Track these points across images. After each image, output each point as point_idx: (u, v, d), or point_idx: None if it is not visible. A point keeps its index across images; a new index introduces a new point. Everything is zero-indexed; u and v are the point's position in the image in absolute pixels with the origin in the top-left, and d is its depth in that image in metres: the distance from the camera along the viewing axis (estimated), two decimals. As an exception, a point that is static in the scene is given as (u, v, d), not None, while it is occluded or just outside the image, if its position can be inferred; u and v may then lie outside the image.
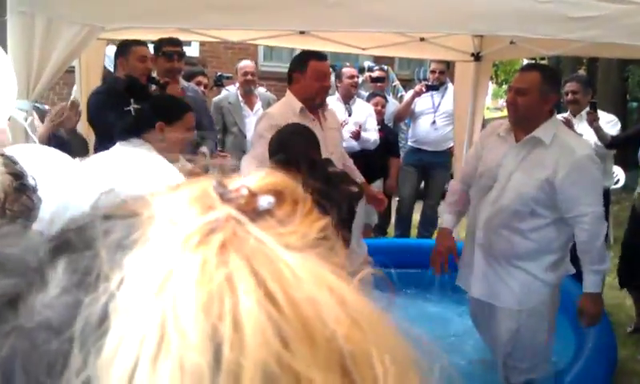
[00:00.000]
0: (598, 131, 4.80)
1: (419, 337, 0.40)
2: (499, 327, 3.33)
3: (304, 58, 3.76)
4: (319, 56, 3.86)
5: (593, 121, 4.78)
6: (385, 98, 6.42)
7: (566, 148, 3.01)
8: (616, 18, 2.35)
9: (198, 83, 5.21)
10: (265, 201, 0.37)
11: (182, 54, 4.55)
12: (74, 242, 0.36)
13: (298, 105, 3.71)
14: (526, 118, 3.08)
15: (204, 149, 4.82)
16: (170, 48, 4.39)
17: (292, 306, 0.32)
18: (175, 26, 2.24)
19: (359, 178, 4.00)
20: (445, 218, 3.72)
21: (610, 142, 4.83)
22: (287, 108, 3.76)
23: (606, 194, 5.10)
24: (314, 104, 3.83)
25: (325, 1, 2.11)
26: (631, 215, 5.07)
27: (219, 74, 6.82)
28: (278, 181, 0.41)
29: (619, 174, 8.37)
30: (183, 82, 4.86)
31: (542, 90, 3.01)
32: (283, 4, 2.11)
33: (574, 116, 5.00)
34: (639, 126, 5.10)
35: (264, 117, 3.94)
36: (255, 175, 0.40)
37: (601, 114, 5.10)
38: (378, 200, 4.22)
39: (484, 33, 3.84)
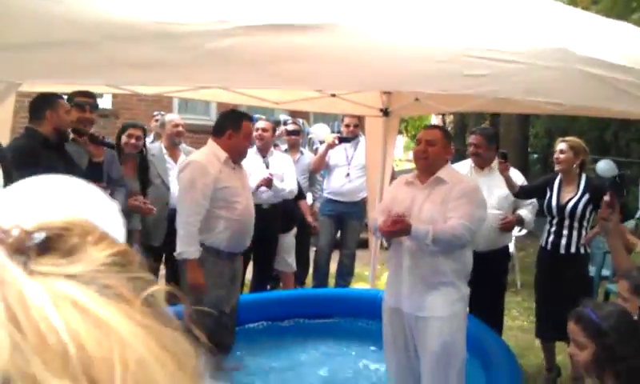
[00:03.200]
0: (508, 181, 5.03)
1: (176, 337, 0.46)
2: (430, 338, 3.72)
3: (238, 118, 4.28)
4: (249, 117, 4.43)
5: (504, 170, 5.01)
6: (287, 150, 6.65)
7: (457, 180, 3.80)
8: (509, 75, 2.59)
9: (130, 136, 5.21)
10: (37, 237, 0.43)
11: (94, 106, 4.60)
12: None
13: (223, 154, 4.19)
14: (433, 163, 3.81)
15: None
16: (82, 99, 4.46)
17: (30, 326, 0.39)
18: (91, 83, 2.28)
19: None
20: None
21: (517, 192, 5.09)
22: (213, 156, 4.19)
23: (505, 250, 5.41)
24: (241, 157, 4.38)
25: (239, 60, 2.21)
26: (538, 262, 5.28)
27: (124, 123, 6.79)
28: (63, 218, 0.47)
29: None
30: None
31: (443, 143, 3.88)
32: (198, 62, 2.20)
33: (481, 168, 5.18)
34: (544, 178, 5.35)
35: (188, 165, 4.15)
36: (41, 214, 0.46)
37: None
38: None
39: (389, 89, 4.10)
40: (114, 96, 9.09)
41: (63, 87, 3.85)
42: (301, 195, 6.46)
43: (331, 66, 2.30)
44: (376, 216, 4.02)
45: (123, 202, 4.91)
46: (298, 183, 6.49)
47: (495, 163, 5.10)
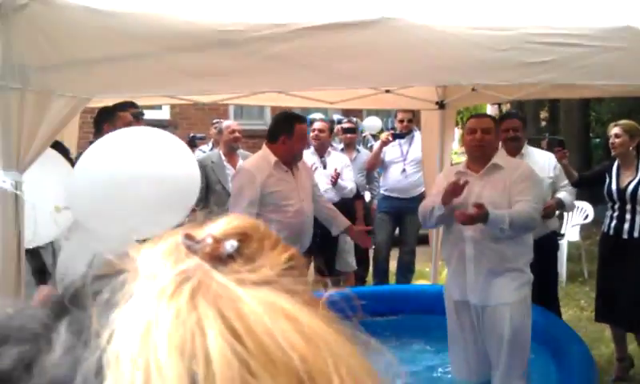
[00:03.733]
0: (567, 169, 4.97)
1: (379, 349, 0.46)
2: (502, 325, 3.72)
3: (291, 121, 4.26)
4: (302, 119, 4.40)
5: (562, 158, 4.95)
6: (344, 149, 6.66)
7: (514, 166, 3.85)
8: (570, 60, 2.52)
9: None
10: (229, 245, 0.43)
11: (140, 114, 4.74)
12: (72, 304, 0.42)
13: (273, 158, 4.17)
14: (490, 152, 3.82)
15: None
16: (135, 110, 4.55)
17: (254, 340, 0.38)
18: (154, 95, 2.35)
19: (344, 220, 4.66)
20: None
21: (576, 181, 5.01)
22: (263, 161, 4.20)
23: (553, 235, 5.29)
24: (296, 161, 4.38)
25: (296, 63, 2.23)
26: (600, 248, 5.20)
27: (192, 134, 6.96)
28: (241, 223, 0.47)
29: (588, 209, 8.58)
30: None
31: (496, 130, 3.94)
32: (259, 67, 2.23)
33: (514, 154, 4.88)
34: (602, 164, 5.26)
35: (240, 172, 4.22)
36: (220, 222, 0.47)
37: (537, 151, 5.29)
38: (363, 236, 4.93)
39: (446, 83, 4.07)
40: (172, 107, 9.29)
41: (137, 99, 3.94)
42: (358, 195, 6.46)
43: (386, 62, 2.30)
44: (428, 205, 3.96)
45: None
46: (355, 182, 6.49)
47: (526, 149, 5.03)
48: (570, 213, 8.04)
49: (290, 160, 4.30)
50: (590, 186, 5.14)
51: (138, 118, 4.68)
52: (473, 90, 4.97)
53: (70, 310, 0.42)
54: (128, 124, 4.23)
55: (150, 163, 2.19)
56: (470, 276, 3.83)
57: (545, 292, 5.06)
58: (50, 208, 2.46)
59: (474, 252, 3.80)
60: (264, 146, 4.34)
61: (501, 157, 3.89)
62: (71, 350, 0.39)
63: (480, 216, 3.51)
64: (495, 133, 3.92)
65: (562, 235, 6.21)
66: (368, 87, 4.19)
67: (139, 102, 4.54)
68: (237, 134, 5.81)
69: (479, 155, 3.85)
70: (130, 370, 0.37)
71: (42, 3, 2.06)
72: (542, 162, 5.00)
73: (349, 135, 6.92)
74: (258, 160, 4.28)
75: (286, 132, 4.21)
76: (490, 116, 4.25)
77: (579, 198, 7.03)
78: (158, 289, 0.39)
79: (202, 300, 0.39)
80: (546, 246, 5.02)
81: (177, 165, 2.26)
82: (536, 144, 5.81)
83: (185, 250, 0.43)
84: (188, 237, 0.43)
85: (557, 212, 5.30)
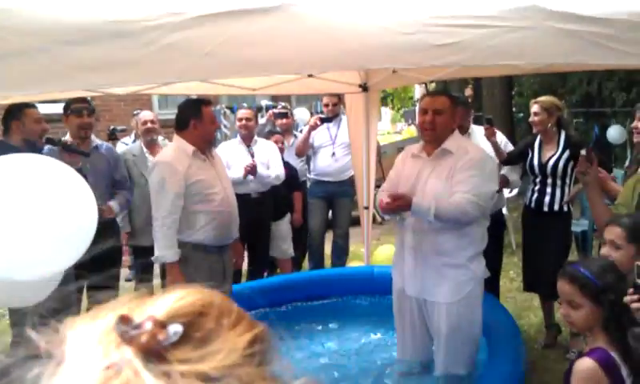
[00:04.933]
0: (496, 146, 5.04)
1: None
2: (438, 322, 3.63)
3: (197, 105, 4.13)
4: (207, 102, 4.24)
5: (491, 135, 5.03)
6: (282, 134, 6.56)
7: (463, 151, 3.56)
8: (477, 41, 2.52)
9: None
10: (172, 331, 0.38)
11: (91, 110, 4.64)
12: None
13: (191, 148, 4.05)
14: (441, 134, 3.60)
15: (112, 202, 4.79)
16: (78, 105, 4.55)
17: None
18: (49, 91, 2.23)
19: None
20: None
21: (506, 159, 5.11)
22: (180, 151, 4.07)
23: (499, 214, 5.37)
24: (210, 145, 4.27)
25: (196, 51, 2.14)
26: (522, 220, 5.34)
27: (112, 127, 6.74)
28: (192, 300, 0.41)
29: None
30: (96, 140, 4.87)
31: (451, 110, 3.65)
32: (157, 57, 2.13)
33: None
34: (524, 141, 5.38)
35: (156, 167, 4.07)
36: (168, 297, 0.41)
37: (482, 129, 5.37)
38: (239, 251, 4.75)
39: (352, 68, 4.04)
40: (93, 98, 8.96)
41: (31, 97, 3.78)
42: (296, 186, 6.40)
43: (290, 49, 2.23)
44: (380, 195, 3.79)
45: (123, 205, 4.92)
46: (295, 171, 6.43)
47: (472, 129, 5.08)
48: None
49: (204, 146, 4.17)
50: (515, 164, 5.21)
51: (79, 113, 4.54)
52: (394, 71, 4.98)
53: None
54: (37, 121, 4.07)
55: (40, 200, 2.04)
56: (408, 266, 3.73)
57: (490, 265, 5.17)
58: None
59: (413, 242, 3.67)
60: (175, 137, 4.18)
61: (454, 140, 3.63)
62: None
63: (401, 205, 3.40)
64: (451, 113, 3.66)
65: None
66: (271, 75, 4.13)
67: (58, 96, 4.36)
68: (149, 125, 5.63)
69: (429, 138, 3.66)
70: None
71: None
72: (486, 140, 5.05)
73: (284, 120, 6.86)
74: (175, 151, 4.10)
75: (195, 116, 4.08)
76: (448, 95, 3.89)
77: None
78: None
79: None
80: (494, 223, 5.11)
81: (75, 212, 2.12)
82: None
83: (118, 336, 0.37)
84: (123, 320, 0.38)
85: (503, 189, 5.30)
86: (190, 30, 2.09)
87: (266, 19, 2.14)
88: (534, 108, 4.95)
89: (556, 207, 4.89)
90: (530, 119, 5.02)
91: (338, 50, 2.25)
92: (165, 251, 3.97)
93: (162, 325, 0.38)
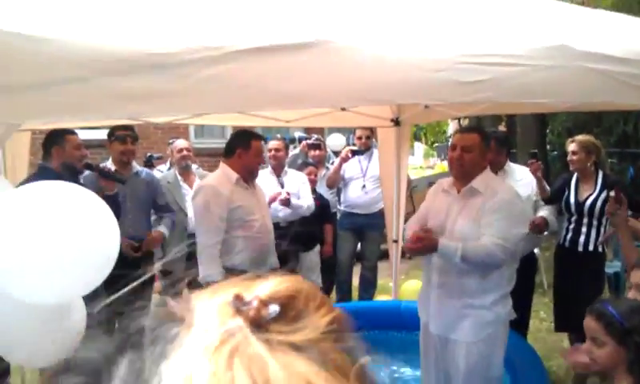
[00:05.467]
0: (540, 183, 4.99)
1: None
2: (457, 361, 3.61)
3: (247, 138, 4.36)
4: (258, 136, 4.50)
5: (536, 170, 4.99)
6: (315, 165, 6.64)
7: (492, 192, 3.52)
8: (506, 79, 2.55)
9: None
10: (272, 310, 0.49)
11: (135, 138, 4.80)
12: (132, 345, 0.49)
13: (234, 175, 4.27)
14: (469, 172, 3.59)
15: (161, 227, 4.94)
16: (122, 132, 4.74)
17: None
18: (88, 120, 2.32)
19: None
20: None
21: (549, 197, 5.04)
22: (224, 177, 4.28)
23: (532, 255, 5.28)
24: (253, 176, 4.49)
25: (232, 85, 2.23)
26: (555, 260, 5.27)
27: (149, 154, 6.90)
28: (289, 285, 0.52)
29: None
30: (137, 166, 5.03)
31: (481, 148, 3.63)
32: (193, 90, 2.22)
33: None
34: (562, 178, 5.28)
35: (201, 190, 4.23)
36: (269, 282, 0.52)
37: (519, 168, 5.30)
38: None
39: (380, 103, 4.10)
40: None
41: (70, 124, 3.93)
42: (327, 217, 6.45)
43: (321, 84, 2.30)
44: (409, 227, 3.83)
45: (170, 228, 5.05)
46: (327, 202, 6.49)
47: (508, 166, 5.04)
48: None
49: (248, 175, 4.37)
50: (556, 202, 5.11)
51: (123, 140, 4.71)
52: (426, 106, 5.03)
53: (130, 349, 0.48)
54: (76, 147, 4.22)
55: (70, 233, 2.16)
56: (432, 304, 3.72)
57: (520, 304, 5.04)
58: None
59: (438, 280, 3.66)
60: (222, 164, 4.39)
61: (483, 179, 3.59)
62: None
63: (427, 246, 3.40)
64: (480, 151, 3.62)
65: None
66: (304, 108, 4.24)
67: (96, 124, 4.55)
68: (184, 153, 5.79)
69: (457, 174, 3.64)
70: None
71: (-35, 28, 2.03)
72: (525, 178, 4.98)
73: (317, 152, 6.95)
74: (220, 176, 4.32)
75: (243, 146, 4.30)
76: (480, 131, 3.87)
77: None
78: (203, 345, 0.46)
79: (237, 361, 0.44)
80: (526, 263, 4.89)
81: (97, 230, 2.23)
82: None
83: (232, 309, 0.48)
84: (237, 298, 0.49)
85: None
86: (227, 65, 2.17)
87: (301, 55, 2.21)
88: (572, 146, 4.90)
89: (591, 247, 4.82)
90: (568, 158, 4.96)
91: (368, 86, 2.32)
92: (210, 271, 4.07)
93: (265, 303, 0.49)
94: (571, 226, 4.93)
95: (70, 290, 2.29)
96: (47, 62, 2.07)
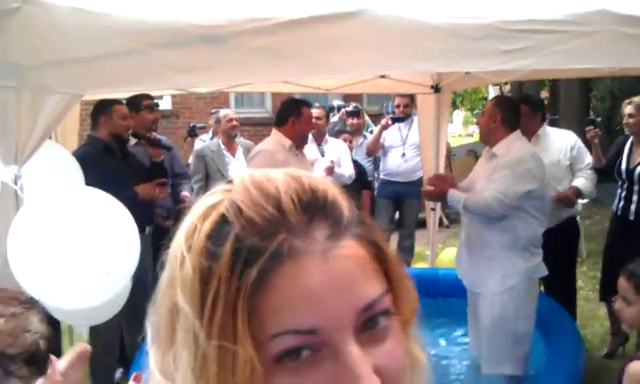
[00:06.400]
0: (597, 149, 4.91)
1: None
2: (483, 313, 3.80)
3: (299, 105, 4.55)
4: (308, 104, 4.69)
5: (594, 137, 4.93)
6: (351, 133, 6.72)
7: (505, 153, 3.75)
8: (546, 46, 2.59)
9: None
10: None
11: (158, 105, 4.94)
12: None
13: (287, 142, 4.44)
14: (485, 136, 3.95)
15: (185, 193, 5.12)
16: (149, 101, 4.79)
17: None
18: (145, 89, 2.46)
19: None
20: None
21: (604, 166, 4.93)
22: (278, 145, 4.44)
23: (572, 221, 5.24)
24: (304, 142, 4.69)
25: (279, 55, 2.33)
26: (609, 227, 5.10)
27: (192, 124, 7.07)
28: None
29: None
30: (156, 135, 5.16)
31: (491, 113, 3.88)
32: (245, 60, 2.33)
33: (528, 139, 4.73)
34: (616, 143, 5.13)
35: (258, 154, 4.45)
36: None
37: (555, 131, 5.24)
38: None
39: (423, 71, 4.15)
40: (173, 96, 9.40)
41: (125, 93, 4.07)
42: (365, 184, 6.53)
43: (366, 52, 2.39)
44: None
45: (189, 191, 5.23)
46: (364, 170, 6.57)
47: (544, 130, 4.92)
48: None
49: (300, 142, 4.57)
50: (613, 170, 4.91)
51: (152, 109, 4.85)
52: (467, 72, 5.03)
53: None
54: (123, 117, 4.33)
55: (93, 234, 2.35)
56: (462, 260, 3.98)
57: (565, 277, 4.99)
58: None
59: (465, 237, 3.96)
60: (274, 131, 4.55)
61: (504, 143, 3.80)
62: None
63: (438, 193, 3.90)
64: (490, 114, 3.87)
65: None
66: (349, 76, 4.33)
67: (127, 94, 4.67)
68: (234, 123, 5.89)
69: (480, 138, 4.06)
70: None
71: (34, 5, 2.17)
72: (560, 143, 4.89)
73: (355, 120, 7.02)
74: (274, 143, 4.49)
75: (295, 114, 4.45)
76: (497, 98, 4.18)
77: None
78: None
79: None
80: (567, 232, 4.94)
81: (119, 236, 2.43)
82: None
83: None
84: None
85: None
86: (273, 36, 2.28)
87: (346, 24, 2.31)
88: (628, 109, 4.73)
89: None
90: (624, 121, 4.79)
91: (411, 53, 2.39)
92: None
93: None
94: (623, 194, 4.76)
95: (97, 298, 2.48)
96: (106, 36, 2.21)
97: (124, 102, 4.55)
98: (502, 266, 3.72)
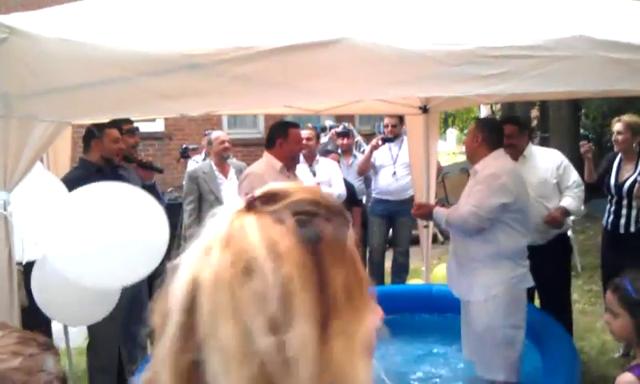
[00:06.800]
0: (589, 164, 5.06)
1: None
2: (472, 321, 3.96)
3: (285, 126, 4.59)
4: (295, 125, 4.72)
5: (588, 151, 5.08)
6: (337, 153, 6.80)
7: (482, 169, 3.95)
8: (524, 70, 2.65)
9: None
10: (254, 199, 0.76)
11: (134, 129, 5.05)
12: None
13: (278, 164, 4.47)
14: (469, 155, 4.18)
15: None
16: (129, 126, 4.85)
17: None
18: (130, 116, 2.51)
19: None
20: None
21: (595, 181, 5.07)
22: (269, 167, 4.47)
23: (563, 237, 5.24)
24: (294, 163, 4.71)
25: (262, 82, 2.38)
26: (602, 241, 5.23)
27: (184, 146, 7.12)
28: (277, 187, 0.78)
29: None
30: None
31: (473, 133, 4.12)
32: (227, 87, 2.38)
33: (515, 159, 4.73)
34: (606, 158, 5.26)
35: (248, 176, 4.46)
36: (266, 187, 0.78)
37: (541, 150, 5.25)
38: None
39: (402, 95, 4.23)
40: (166, 119, 9.46)
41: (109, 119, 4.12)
42: (355, 202, 6.59)
43: (346, 79, 2.45)
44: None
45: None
46: (353, 188, 6.62)
47: (529, 150, 4.96)
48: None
49: (290, 162, 4.60)
50: (602, 185, 5.08)
51: (133, 133, 4.89)
52: (451, 94, 5.10)
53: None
54: (115, 140, 4.37)
55: (126, 226, 2.47)
56: (452, 271, 4.19)
57: (559, 293, 5.03)
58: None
59: (453, 249, 4.17)
60: (265, 153, 4.59)
61: (484, 161, 3.97)
62: None
63: (424, 213, 4.39)
64: (473, 135, 4.09)
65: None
66: (330, 103, 4.44)
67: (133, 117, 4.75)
68: (226, 144, 5.94)
69: (467, 157, 4.30)
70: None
71: (21, 36, 2.23)
72: (546, 162, 4.92)
73: (345, 140, 7.09)
74: (265, 165, 4.53)
75: (282, 135, 4.49)
76: (479, 120, 4.58)
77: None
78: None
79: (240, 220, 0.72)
80: (559, 248, 4.97)
81: (148, 226, 2.54)
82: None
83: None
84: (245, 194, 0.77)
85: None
86: (257, 63, 2.34)
87: (327, 51, 2.36)
88: (617, 126, 4.87)
89: (632, 228, 4.79)
90: (613, 138, 4.93)
91: (389, 80, 2.45)
92: None
93: (253, 196, 0.79)
94: (612, 209, 4.91)
95: (123, 277, 2.57)
96: (93, 65, 2.26)
97: (119, 125, 4.59)
98: (486, 276, 3.87)
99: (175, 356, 0.66)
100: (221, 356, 0.64)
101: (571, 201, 4.85)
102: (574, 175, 4.92)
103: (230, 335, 0.64)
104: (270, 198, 0.75)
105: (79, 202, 2.58)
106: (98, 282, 2.71)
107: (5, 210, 2.43)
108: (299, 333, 0.65)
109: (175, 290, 0.66)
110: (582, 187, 4.95)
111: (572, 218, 5.54)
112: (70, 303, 2.93)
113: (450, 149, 25.30)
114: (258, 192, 0.76)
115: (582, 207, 5.09)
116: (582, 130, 11.87)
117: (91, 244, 2.49)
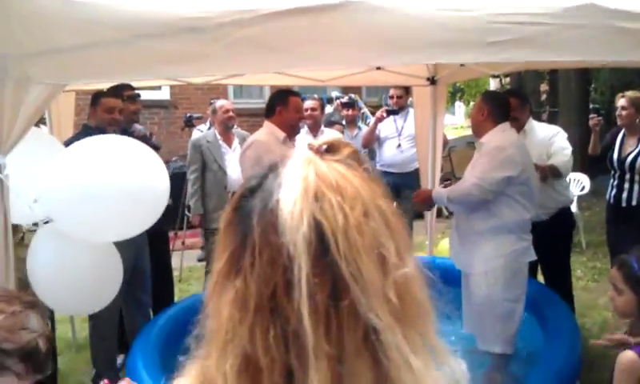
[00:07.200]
0: (596, 137, 5.15)
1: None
2: (471, 293, 3.98)
3: (285, 94, 4.51)
4: (295, 93, 4.62)
5: (596, 125, 5.17)
6: (342, 124, 6.72)
7: (487, 142, 3.94)
8: (533, 38, 2.58)
9: None
10: (324, 148, 0.79)
11: (135, 96, 4.90)
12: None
13: (281, 134, 4.41)
14: (474, 128, 4.15)
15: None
16: (130, 92, 4.70)
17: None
18: (129, 80, 2.46)
19: None
20: None
21: (599, 155, 5.17)
22: (272, 136, 4.40)
23: (567, 211, 5.25)
24: (295, 132, 4.64)
25: (262, 46, 2.32)
26: (606, 218, 5.29)
27: (189, 114, 7.06)
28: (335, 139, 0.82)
29: (584, 180, 8.60)
30: (136, 125, 5.15)
31: (478, 106, 4.12)
32: (229, 51, 2.32)
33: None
34: (610, 133, 5.28)
35: (252, 144, 4.36)
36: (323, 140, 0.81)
37: (540, 126, 5.21)
38: None
39: (408, 63, 4.14)
40: (172, 87, 9.40)
41: (109, 83, 4.06)
42: None
43: (349, 44, 2.38)
44: None
45: None
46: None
47: (529, 124, 4.93)
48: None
49: (290, 131, 4.52)
50: (605, 158, 5.16)
51: (134, 100, 4.80)
52: (462, 64, 5.01)
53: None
54: (108, 110, 4.26)
55: (124, 174, 2.43)
56: (454, 244, 4.21)
57: (560, 267, 5.05)
58: (30, 196, 2.63)
59: (455, 222, 4.21)
60: (266, 123, 4.51)
61: (490, 135, 3.95)
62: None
63: (424, 199, 4.30)
64: (478, 108, 4.08)
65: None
66: (332, 68, 4.37)
67: (138, 84, 4.66)
68: (230, 114, 5.88)
69: (472, 130, 4.25)
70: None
71: (17, -5, 2.17)
72: (542, 136, 4.92)
73: (349, 111, 7.01)
74: (267, 134, 4.45)
75: (282, 103, 4.42)
76: (487, 92, 4.60)
77: (575, 169, 7.05)
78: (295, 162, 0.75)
79: (311, 166, 0.74)
80: (562, 223, 4.97)
81: (148, 177, 2.50)
82: (537, 117, 5.75)
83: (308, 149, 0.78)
84: (309, 145, 0.79)
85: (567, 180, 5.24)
86: (258, 27, 2.27)
87: (329, 16, 2.29)
88: (621, 101, 4.94)
89: (634, 202, 4.85)
90: (617, 113, 4.99)
91: (396, 46, 2.38)
92: None
93: (320, 146, 0.80)
94: (615, 183, 4.99)
95: (128, 229, 2.56)
96: (90, 26, 2.20)
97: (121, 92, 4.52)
98: (487, 248, 3.87)
99: (312, 300, 0.69)
100: (366, 289, 0.70)
101: (557, 159, 4.84)
102: (562, 141, 4.92)
103: (371, 269, 0.70)
104: (332, 148, 0.80)
105: (76, 155, 2.55)
106: (98, 236, 2.70)
107: (1, 172, 2.39)
108: (410, 262, 0.76)
109: (296, 240, 0.69)
110: (569, 151, 4.92)
111: (578, 193, 5.49)
112: (64, 290, 2.91)
113: (459, 122, 25.14)
114: (318, 142, 0.80)
115: (569, 168, 5.04)
116: (591, 105, 11.78)
117: (90, 195, 2.47)
